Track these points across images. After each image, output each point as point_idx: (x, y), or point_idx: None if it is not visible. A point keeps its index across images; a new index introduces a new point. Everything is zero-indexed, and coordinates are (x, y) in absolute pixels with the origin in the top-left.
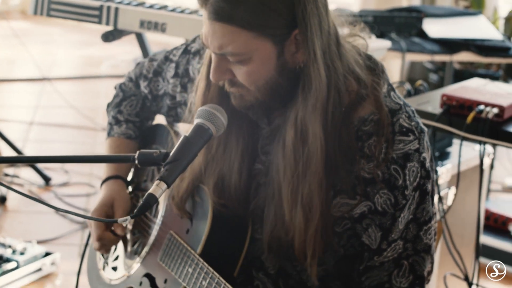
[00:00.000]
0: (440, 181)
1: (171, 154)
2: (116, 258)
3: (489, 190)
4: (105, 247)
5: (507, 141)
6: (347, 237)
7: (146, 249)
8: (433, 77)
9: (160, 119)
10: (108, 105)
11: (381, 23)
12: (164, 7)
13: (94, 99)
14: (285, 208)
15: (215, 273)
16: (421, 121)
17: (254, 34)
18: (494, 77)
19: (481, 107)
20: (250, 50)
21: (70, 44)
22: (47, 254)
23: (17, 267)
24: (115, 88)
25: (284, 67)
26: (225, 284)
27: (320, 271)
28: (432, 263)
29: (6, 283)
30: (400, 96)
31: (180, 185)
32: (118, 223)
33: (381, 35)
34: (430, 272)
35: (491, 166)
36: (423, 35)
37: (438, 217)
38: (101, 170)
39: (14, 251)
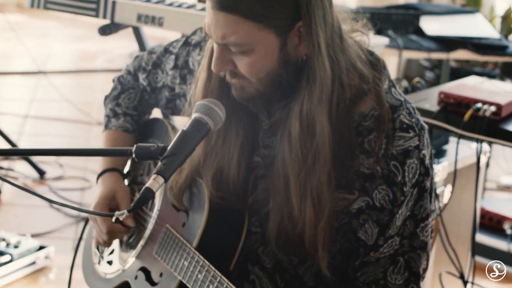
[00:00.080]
0: (436, 179)
1: (168, 148)
2: (112, 252)
3: (484, 189)
4: (114, 239)
5: (505, 139)
6: (343, 232)
7: (141, 243)
8: (429, 75)
9: (157, 114)
10: (106, 97)
11: (378, 20)
12: (161, 1)
13: (89, 93)
14: (294, 202)
15: (211, 266)
16: (421, 118)
17: (258, 25)
18: (490, 76)
19: (479, 105)
20: (253, 41)
21: (66, 38)
22: (41, 247)
23: (11, 261)
24: (113, 80)
25: (286, 59)
26: (221, 277)
27: (316, 266)
28: (427, 260)
29: None
30: (401, 93)
31: (179, 177)
32: (115, 217)
33: (378, 32)
34: (425, 270)
35: (487, 165)
36: (420, 32)
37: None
38: (96, 164)
39: (8, 244)
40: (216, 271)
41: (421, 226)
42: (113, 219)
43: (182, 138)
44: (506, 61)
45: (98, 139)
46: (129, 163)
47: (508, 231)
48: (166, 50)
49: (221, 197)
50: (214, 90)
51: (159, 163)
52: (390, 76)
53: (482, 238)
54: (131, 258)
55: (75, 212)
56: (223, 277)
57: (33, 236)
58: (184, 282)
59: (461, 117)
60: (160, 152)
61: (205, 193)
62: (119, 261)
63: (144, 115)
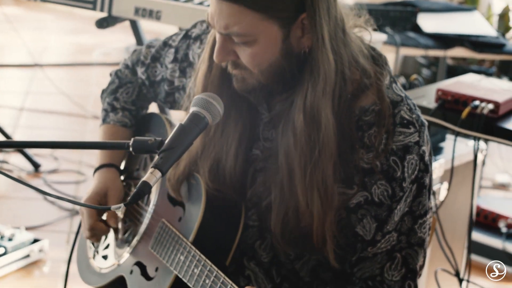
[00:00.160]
0: (433, 176)
1: (166, 142)
2: (107, 247)
3: (479, 187)
4: (96, 236)
5: (502, 137)
6: (341, 227)
7: (137, 237)
8: (426, 72)
9: (153, 109)
10: (103, 91)
11: (375, 17)
12: None
13: (85, 87)
14: (299, 194)
15: (207, 260)
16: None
17: (261, 16)
18: (487, 74)
19: (476, 102)
20: (256, 32)
21: (62, 31)
22: (35, 240)
23: (4, 253)
24: (110, 74)
25: (289, 51)
26: (217, 271)
27: (313, 261)
28: (424, 257)
29: None
30: (402, 89)
31: (177, 168)
32: (111, 211)
33: (375, 28)
34: (422, 267)
35: (483, 163)
36: (417, 29)
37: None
38: (91, 158)
39: (2, 237)
40: (213, 265)
41: (419, 222)
42: (104, 216)
43: (180, 132)
44: (503, 59)
45: (93, 132)
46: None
47: (503, 229)
48: (165, 44)
49: (218, 189)
50: (214, 81)
51: (156, 157)
52: (391, 72)
53: (477, 236)
54: (126, 253)
55: (69, 206)
56: (219, 271)
57: (27, 229)
58: (180, 276)
59: (459, 114)
60: (158, 146)
61: (202, 187)
62: (114, 255)
63: (141, 110)
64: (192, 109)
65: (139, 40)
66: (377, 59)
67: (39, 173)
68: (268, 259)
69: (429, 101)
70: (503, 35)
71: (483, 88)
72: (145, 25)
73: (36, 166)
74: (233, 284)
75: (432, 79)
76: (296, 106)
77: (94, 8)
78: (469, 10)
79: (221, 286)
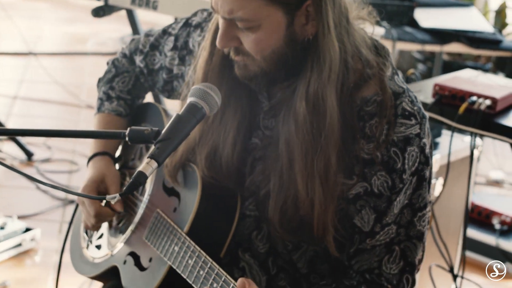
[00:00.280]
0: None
1: (162, 132)
2: (100, 237)
3: (474, 183)
4: (101, 222)
5: (499, 133)
6: (339, 218)
7: (131, 227)
8: (421, 67)
9: (149, 99)
10: (99, 80)
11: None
12: None
13: (79, 76)
14: (299, 182)
15: (201, 251)
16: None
17: (266, 1)
18: (483, 70)
19: (474, 98)
20: (260, 17)
21: (57, 20)
22: (27, 229)
23: None
24: (107, 63)
25: (293, 38)
26: (211, 263)
27: (310, 251)
28: (423, 251)
29: None
30: (403, 81)
31: (174, 155)
32: (107, 200)
33: (378, 21)
34: (420, 260)
35: (478, 159)
36: (414, 24)
37: None
38: (85, 147)
39: None
40: (207, 256)
41: (419, 215)
42: (103, 203)
43: (177, 122)
44: (500, 55)
45: (87, 122)
46: (120, 147)
47: (497, 226)
48: (165, 32)
49: (214, 177)
50: (215, 68)
51: (153, 147)
52: (393, 64)
53: (471, 233)
54: (120, 243)
55: (62, 195)
56: (213, 262)
57: (20, 218)
58: (174, 267)
59: (456, 109)
60: (154, 136)
61: (198, 177)
62: (107, 245)
63: (137, 100)
64: (189, 99)
65: (135, 30)
66: (380, 50)
67: (32, 162)
68: (265, 249)
69: (426, 96)
70: (500, 31)
71: (481, 84)
72: (141, 15)
73: (29, 155)
74: (227, 276)
75: (427, 75)
76: (298, 93)
77: None
78: (466, 6)
79: (215, 277)
